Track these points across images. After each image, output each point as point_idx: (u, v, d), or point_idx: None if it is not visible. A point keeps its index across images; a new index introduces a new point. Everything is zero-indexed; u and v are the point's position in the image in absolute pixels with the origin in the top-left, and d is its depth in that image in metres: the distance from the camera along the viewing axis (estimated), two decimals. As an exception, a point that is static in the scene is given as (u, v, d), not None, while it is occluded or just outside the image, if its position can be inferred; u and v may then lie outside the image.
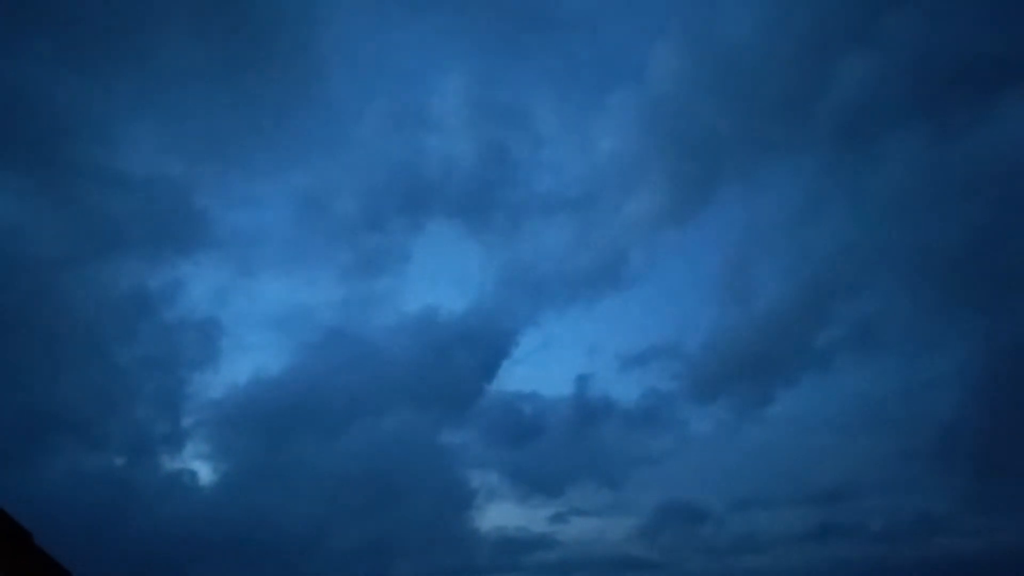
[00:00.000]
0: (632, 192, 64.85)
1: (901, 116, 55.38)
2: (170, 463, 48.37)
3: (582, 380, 60.39)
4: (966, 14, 52.94)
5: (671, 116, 59.50)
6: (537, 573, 50.45)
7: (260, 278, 64.48)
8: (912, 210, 54.65)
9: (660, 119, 59.92)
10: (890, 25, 54.53)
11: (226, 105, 59.42)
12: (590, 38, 69.99)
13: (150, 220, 54.48)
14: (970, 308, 50.37)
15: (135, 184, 54.06)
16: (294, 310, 64.62)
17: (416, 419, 52.92)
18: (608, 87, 74.59)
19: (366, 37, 68.98)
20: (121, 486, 44.30)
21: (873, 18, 54.55)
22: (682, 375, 58.53)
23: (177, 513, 43.92)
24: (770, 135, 58.30)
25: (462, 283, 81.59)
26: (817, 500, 50.38)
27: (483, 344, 58.19)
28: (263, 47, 56.54)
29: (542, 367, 72.98)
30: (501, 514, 56.80)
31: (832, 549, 47.59)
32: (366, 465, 48.53)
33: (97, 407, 47.55)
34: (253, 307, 72.10)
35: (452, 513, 48.94)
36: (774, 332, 54.45)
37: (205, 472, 49.85)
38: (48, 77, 50.71)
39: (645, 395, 59.03)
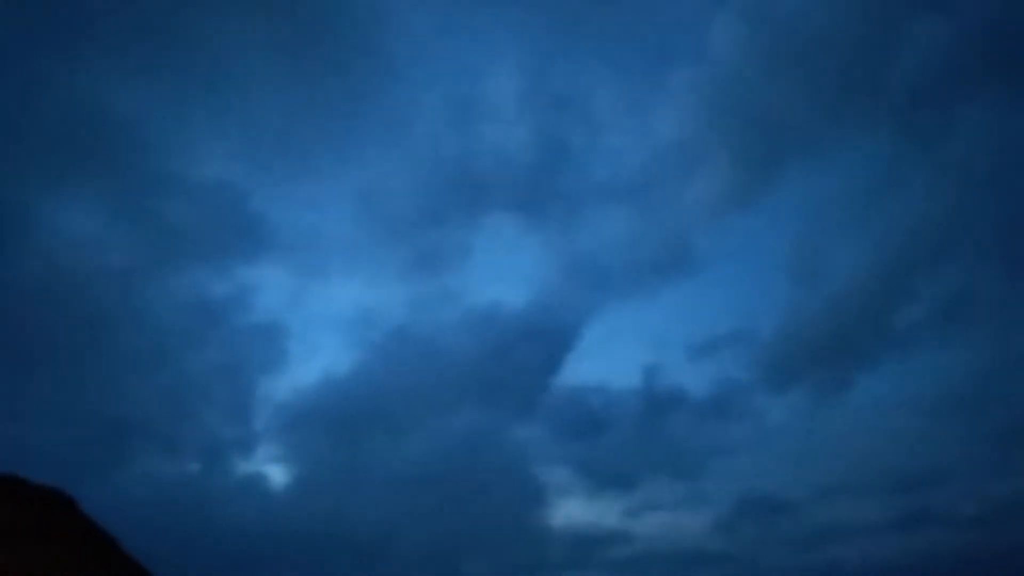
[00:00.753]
0: (695, 174, 63.54)
1: (978, 83, 52.70)
2: (244, 467, 49.64)
3: (650, 371, 59.46)
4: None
5: (733, 93, 57.98)
6: (611, 569, 49.90)
7: (324, 280, 65.75)
8: (995, 179, 51.85)
9: (722, 97, 58.48)
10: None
11: (288, 108, 60.47)
12: (647, 16, 68.81)
13: (218, 227, 55.97)
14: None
15: (203, 192, 55.60)
16: (359, 311, 65.63)
17: (483, 416, 52.92)
18: (667, 66, 73.48)
19: (423, 31, 69.31)
20: (198, 491, 45.53)
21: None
22: (755, 362, 57.06)
23: (252, 515, 44.88)
24: (838, 108, 56.20)
25: (523, 276, 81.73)
26: (904, 487, 48.41)
27: (547, 338, 57.93)
28: (327, 50, 57.18)
29: (608, 359, 72.50)
30: (572, 510, 56.51)
31: (922, 537, 45.64)
32: (435, 464, 48.76)
33: (172, 414, 48.97)
34: (318, 309, 73.77)
35: (522, 510, 48.67)
36: (850, 313, 52.38)
37: (277, 474, 50.93)
38: (119, 91, 52.30)
39: (717, 384, 57.82)
